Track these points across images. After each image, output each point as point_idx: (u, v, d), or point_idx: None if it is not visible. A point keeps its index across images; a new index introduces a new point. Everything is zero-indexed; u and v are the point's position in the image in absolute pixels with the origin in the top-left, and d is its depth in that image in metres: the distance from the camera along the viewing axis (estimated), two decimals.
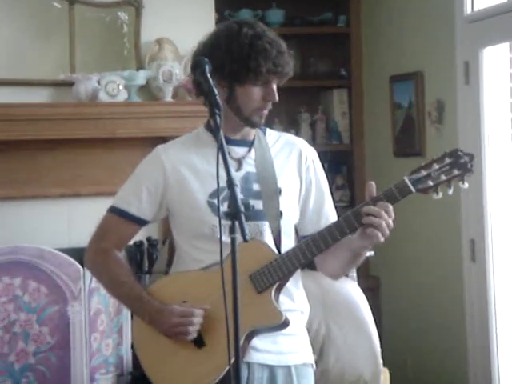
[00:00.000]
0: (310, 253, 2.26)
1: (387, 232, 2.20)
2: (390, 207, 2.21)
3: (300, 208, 2.43)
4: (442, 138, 4.28)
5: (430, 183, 2.20)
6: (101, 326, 3.83)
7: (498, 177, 3.92)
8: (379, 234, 2.19)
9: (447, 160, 2.21)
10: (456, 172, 2.20)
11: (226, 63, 2.25)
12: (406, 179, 2.21)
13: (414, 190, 2.20)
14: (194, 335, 2.28)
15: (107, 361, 3.85)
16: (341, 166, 5.19)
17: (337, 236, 2.24)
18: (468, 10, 3.99)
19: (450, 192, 2.21)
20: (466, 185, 2.21)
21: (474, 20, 3.95)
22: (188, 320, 2.26)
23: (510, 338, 3.93)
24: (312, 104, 5.16)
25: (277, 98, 2.31)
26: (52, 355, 3.75)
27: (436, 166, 2.21)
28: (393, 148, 4.72)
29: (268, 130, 2.46)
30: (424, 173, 2.21)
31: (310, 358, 2.47)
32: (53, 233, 4.00)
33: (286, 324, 2.28)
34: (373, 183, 2.27)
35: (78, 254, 3.67)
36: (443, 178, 2.20)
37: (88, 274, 3.75)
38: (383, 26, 4.83)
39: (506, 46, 3.90)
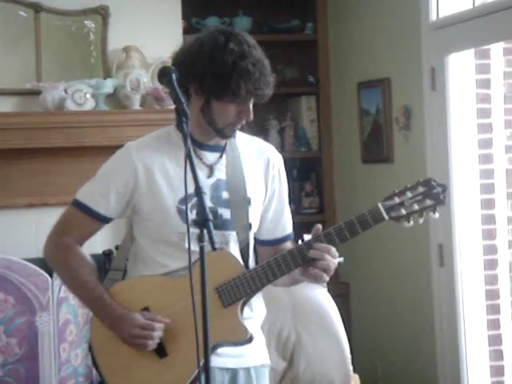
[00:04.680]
0: (280, 271, 2.27)
1: (332, 272, 2.25)
2: (333, 249, 2.24)
3: (260, 215, 2.44)
4: (409, 144, 4.30)
5: (403, 212, 2.23)
6: (70, 336, 3.80)
7: (465, 182, 3.95)
8: (325, 276, 2.25)
9: (420, 189, 2.23)
10: (429, 202, 2.23)
11: (206, 77, 2.23)
12: (380, 206, 2.22)
13: (387, 217, 2.23)
14: (151, 348, 2.27)
15: (76, 371, 3.82)
16: (310, 172, 5.20)
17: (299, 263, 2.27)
18: (433, 17, 4.02)
19: (421, 221, 2.25)
20: (437, 215, 2.24)
21: (439, 27, 3.98)
22: (148, 334, 2.25)
23: (478, 341, 3.95)
24: (280, 111, 5.17)
25: (252, 117, 2.30)
26: (20, 367, 3.71)
27: (409, 195, 2.23)
28: (361, 154, 4.74)
29: (238, 133, 2.43)
30: (397, 200, 2.23)
31: (267, 359, 2.49)
32: (20, 243, 3.97)
33: (250, 340, 2.29)
34: (320, 226, 2.28)
35: (46, 263, 3.64)
36: (416, 207, 2.23)
37: (56, 284, 3.73)
38: (350, 34, 4.85)
39: (471, 52, 3.92)
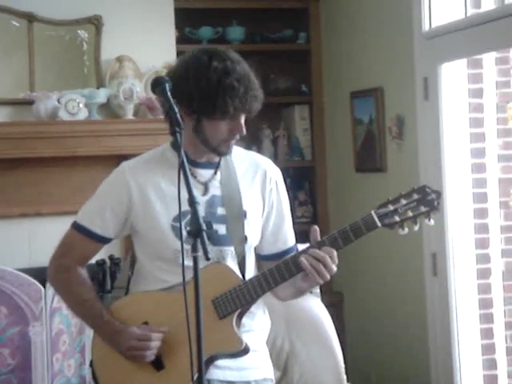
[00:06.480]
0: (274, 281, 2.26)
1: (327, 276, 2.23)
2: (334, 253, 2.23)
3: (260, 229, 2.43)
4: (402, 154, 4.31)
5: (397, 219, 2.22)
6: (63, 346, 3.79)
7: (458, 191, 3.95)
8: (318, 278, 2.22)
9: (415, 196, 2.22)
10: (423, 209, 2.22)
11: (194, 98, 2.23)
12: (373, 213, 2.22)
13: (380, 224, 2.22)
14: (150, 359, 2.28)
15: (69, 382, 3.81)
16: (303, 182, 5.20)
17: (293, 272, 2.26)
18: (426, 27, 4.03)
19: (416, 228, 2.23)
20: (432, 222, 2.23)
21: (432, 36, 3.99)
22: (145, 344, 2.26)
23: (471, 350, 3.95)
24: (273, 120, 5.17)
25: (244, 132, 2.30)
26: (13, 377, 3.70)
27: (403, 202, 2.22)
28: (354, 163, 4.74)
29: (234, 148, 2.42)
30: (391, 208, 2.22)
31: (270, 373, 2.47)
32: (14, 253, 3.97)
33: (245, 351, 2.28)
34: (316, 228, 2.28)
35: (39, 273, 3.64)
36: (410, 214, 2.22)
37: (49, 293, 3.72)
38: (343, 43, 4.86)
39: (463, 61, 3.94)
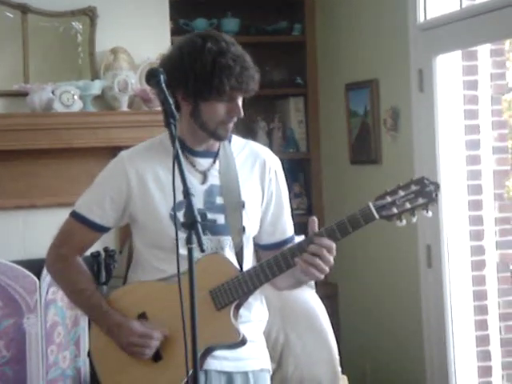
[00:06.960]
0: (272, 273, 2.26)
1: (326, 269, 2.22)
2: (333, 245, 2.22)
3: (259, 220, 2.43)
4: (397, 146, 4.31)
5: (395, 210, 2.21)
6: (58, 338, 3.79)
7: (453, 182, 3.96)
8: (317, 273, 2.21)
9: (413, 187, 2.22)
10: (421, 201, 2.21)
11: (189, 80, 2.23)
12: (371, 205, 2.21)
13: (377, 216, 2.21)
14: (148, 356, 2.28)
15: (64, 373, 3.81)
16: (298, 173, 5.21)
17: (290, 264, 2.25)
18: (421, 19, 4.03)
19: (414, 220, 2.22)
20: (430, 213, 2.22)
21: (427, 28, 3.99)
22: (146, 342, 2.27)
23: (466, 342, 3.96)
24: (268, 112, 5.17)
25: (242, 113, 2.29)
26: (8, 369, 3.70)
27: (401, 193, 2.21)
28: (349, 155, 4.75)
29: (233, 138, 2.43)
30: (389, 199, 2.21)
31: (267, 364, 2.48)
32: (8, 245, 3.96)
33: (243, 343, 2.28)
34: (315, 218, 2.27)
35: (34, 265, 3.64)
36: (408, 206, 2.21)
37: (44, 285, 3.72)
38: (338, 35, 4.86)
39: (458, 53, 3.94)
